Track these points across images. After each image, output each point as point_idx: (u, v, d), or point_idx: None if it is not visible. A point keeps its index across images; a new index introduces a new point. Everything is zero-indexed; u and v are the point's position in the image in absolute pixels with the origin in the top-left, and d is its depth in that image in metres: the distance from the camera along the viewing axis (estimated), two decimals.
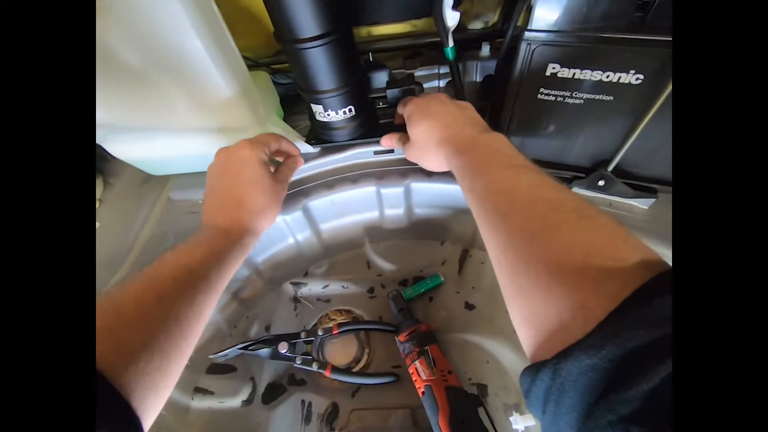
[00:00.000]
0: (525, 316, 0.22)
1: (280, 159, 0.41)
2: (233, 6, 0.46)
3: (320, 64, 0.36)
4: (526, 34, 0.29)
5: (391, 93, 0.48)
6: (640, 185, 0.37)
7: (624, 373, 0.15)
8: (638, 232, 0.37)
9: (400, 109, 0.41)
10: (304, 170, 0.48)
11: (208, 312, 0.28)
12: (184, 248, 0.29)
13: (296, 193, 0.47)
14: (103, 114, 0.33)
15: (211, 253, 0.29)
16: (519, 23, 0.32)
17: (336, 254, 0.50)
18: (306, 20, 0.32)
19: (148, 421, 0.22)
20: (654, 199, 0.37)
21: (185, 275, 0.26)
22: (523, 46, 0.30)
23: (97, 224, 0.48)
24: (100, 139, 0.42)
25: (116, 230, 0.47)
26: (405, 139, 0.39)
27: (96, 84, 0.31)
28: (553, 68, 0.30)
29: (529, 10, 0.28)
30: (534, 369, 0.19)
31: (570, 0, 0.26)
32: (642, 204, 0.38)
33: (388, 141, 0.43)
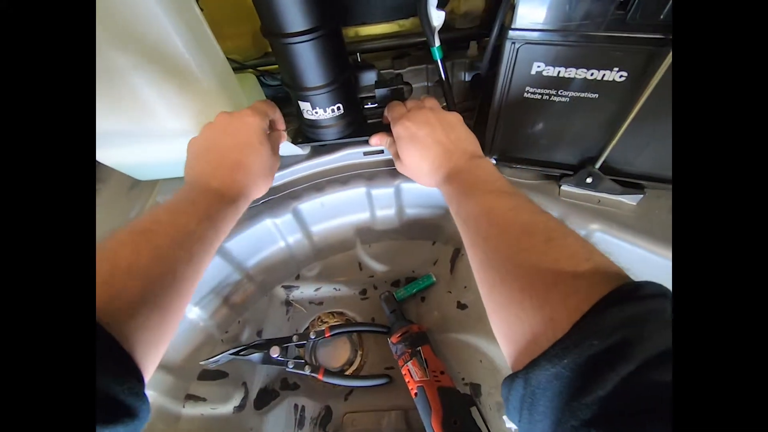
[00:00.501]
0: (503, 330, 0.23)
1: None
2: (218, 8, 0.46)
3: (308, 60, 0.36)
4: (510, 32, 0.29)
5: (379, 93, 0.47)
6: (628, 182, 0.37)
7: (583, 381, 0.16)
8: (627, 229, 0.37)
9: (387, 113, 0.41)
10: (293, 173, 0.48)
11: (203, 271, 0.29)
12: (177, 207, 0.28)
13: (286, 196, 0.47)
14: None
15: (206, 215, 0.29)
16: (504, 22, 0.31)
17: (327, 256, 0.50)
18: (295, 14, 0.32)
19: (147, 375, 0.22)
20: (641, 196, 0.37)
21: (182, 236, 0.26)
22: (508, 45, 0.30)
23: None
24: None
25: (104, 236, 0.46)
26: (394, 143, 0.39)
27: None
28: (538, 67, 0.30)
29: (513, 8, 0.28)
30: (510, 379, 0.20)
31: None
32: (630, 200, 0.38)
33: (377, 140, 0.43)
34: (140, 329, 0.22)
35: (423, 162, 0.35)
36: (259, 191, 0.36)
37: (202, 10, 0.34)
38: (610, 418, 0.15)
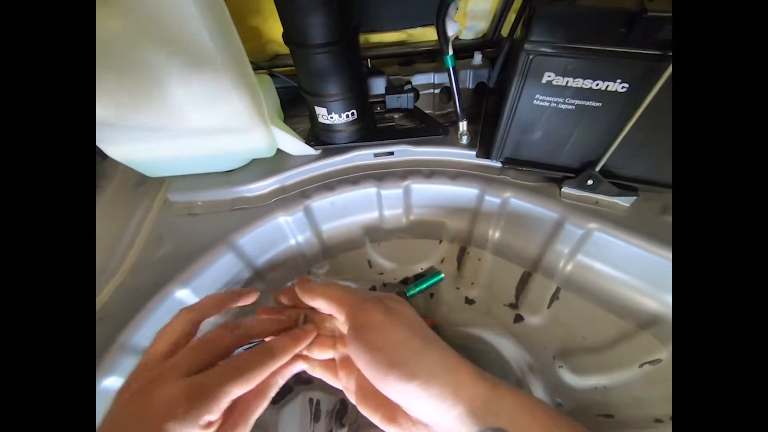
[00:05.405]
0: None
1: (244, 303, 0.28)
2: (231, 9, 0.47)
3: (330, 69, 0.38)
4: (526, 45, 0.32)
5: (389, 99, 0.50)
6: (623, 184, 0.40)
7: None
8: (622, 228, 0.40)
9: (303, 295, 0.26)
10: (305, 172, 0.49)
11: None
12: None
13: (298, 194, 0.48)
14: (108, 112, 0.33)
15: None
16: (516, 35, 0.34)
17: (336, 255, 0.51)
18: (320, 27, 0.34)
19: None
20: (635, 197, 0.41)
21: None
22: (523, 56, 0.32)
23: None
24: (98, 140, 0.41)
25: (110, 234, 0.45)
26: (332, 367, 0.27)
27: (105, 81, 0.31)
28: (549, 76, 0.33)
29: (528, 23, 0.31)
30: None
31: (564, 15, 0.29)
32: (624, 202, 0.42)
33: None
34: None
35: (410, 347, 0.21)
36: None
37: None
38: None
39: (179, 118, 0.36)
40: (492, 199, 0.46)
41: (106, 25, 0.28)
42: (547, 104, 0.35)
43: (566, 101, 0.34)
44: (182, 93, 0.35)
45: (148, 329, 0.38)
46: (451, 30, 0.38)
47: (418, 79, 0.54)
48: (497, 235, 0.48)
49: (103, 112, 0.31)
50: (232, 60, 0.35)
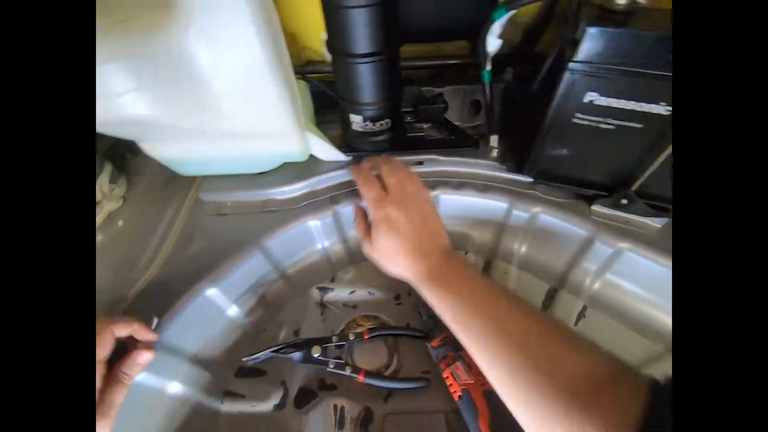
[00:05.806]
0: None
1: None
2: None
3: (371, 79, 0.38)
4: (571, 64, 0.32)
5: (421, 109, 0.50)
6: (656, 205, 0.40)
7: None
8: (654, 248, 0.40)
9: (361, 186, 0.39)
10: (335, 177, 0.49)
11: None
12: None
13: (327, 200, 0.48)
14: (162, 114, 0.33)
15: None
16: (564, 54, 0.35)
17: (361, 261, 0.51)
18: (366, 38, 0.34)
19: None
20: (667, 218, 0.41)
21: None
22: (567, 75, 0.33)
23: (120, 222, 0.47)
24: (136, 137, 0.42)
25: (140, 230, 0.46)
26: (368, 231, 0.37)
27: (162, 85, 0.32)
28: (591, 96, 0.33)
29: (575, 43, 0.31)
30: None
31: (614, 38, 0.30)
32: (656, 223, 0.42)
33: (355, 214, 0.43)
34: None
35: (399, 254, 0.34)
36: None
37: None
38: None
39: (224, 121, 0.37)
40: (520, 214, 0.46)
41: (167, 30, 0.29)
42: (587, 123, 0.36)
43: (607, 121, 0.35)
44: (231, 98, 0.35)
45: (177, 327, 0.39)
46: (492, 46, 0.39)
47: (448, 93, 0.55)
48: (523, 249, 0.48)
49: (155, 112, 0.32)
50: (279, 67, 0.36)
